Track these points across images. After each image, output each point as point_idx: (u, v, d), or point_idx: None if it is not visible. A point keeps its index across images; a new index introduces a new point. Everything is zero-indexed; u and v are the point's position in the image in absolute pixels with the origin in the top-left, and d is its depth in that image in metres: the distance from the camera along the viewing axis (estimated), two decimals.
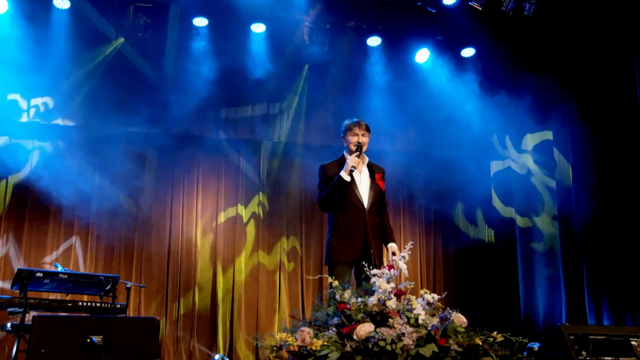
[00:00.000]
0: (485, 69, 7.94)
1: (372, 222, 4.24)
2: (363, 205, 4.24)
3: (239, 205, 8.09)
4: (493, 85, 7.89)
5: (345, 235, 4.21)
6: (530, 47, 7.65)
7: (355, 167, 4.16)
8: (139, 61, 7.35)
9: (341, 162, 4.32)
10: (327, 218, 4.41)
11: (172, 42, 7.20)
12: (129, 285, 5.77)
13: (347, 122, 4.41)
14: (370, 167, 4.40)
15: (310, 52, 7.68)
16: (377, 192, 4.33)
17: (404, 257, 3.53)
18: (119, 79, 7.29)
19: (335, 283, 3.42)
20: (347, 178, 4.15)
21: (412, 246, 3.48)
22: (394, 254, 4.20)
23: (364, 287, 3.44)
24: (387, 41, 7.82)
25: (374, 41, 7.82)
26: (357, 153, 4.22)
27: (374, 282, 3.32)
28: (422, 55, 8.00)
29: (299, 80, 8.04)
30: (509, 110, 7.85)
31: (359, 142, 4.28)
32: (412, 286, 3.36)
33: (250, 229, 8.08)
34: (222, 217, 8.01)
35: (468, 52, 7.96)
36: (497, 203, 8.39)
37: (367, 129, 4.35)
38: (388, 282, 3.29)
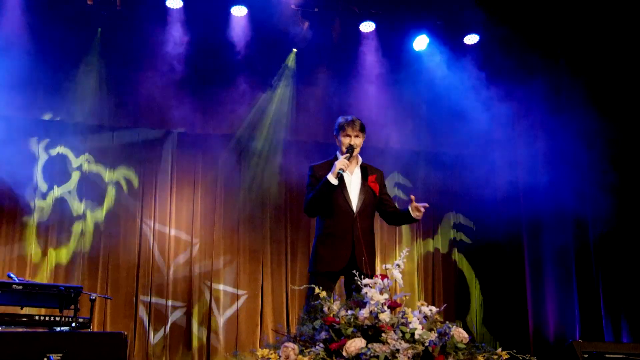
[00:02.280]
0: (490, 57, 7.94)
1: (361, 227, 4.24)
2: (352, 210, 4.24)
3: (217, 207, 8.06)
4: (499, 75, 7.89)
5: (332, 242, 4.22)
6: (540, 33, 7.68)
7: (343, 170, 4.16)
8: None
9: (333, 163, 4.30)
10: (315, 222, 4.41)
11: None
12: (93, 297, 5.63)
13: (340, 120, 4.39)
14: (364, 168, 4.40)
15: (297, 39, 7.68)
16: (368, 196, 4.32)
17: (399, 265, 3.49)
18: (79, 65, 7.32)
19: (323, 294, 3.37)
20: (334, 181, 4.15)
21: (408, 253, 3.44)
22: (411, 201, 4.20)
23: (355, 298, 3.40)
24: (381, 27, 7.83)
25: (367, 27, 7.82)
26: (347, 155, 4.22)
27: (366, 292, 3.27)
28: (421, 42, 8.00)
29: (285, 72, 8.02)
30: (517, 102, 7.86)
31: (350, 145, 4.28)
32: (407, 298, 3.32)
33: (230, 234, 8.06)
34: (198, 221, 7.98)
35: (471, 38, 7.98)
36: (502, 205, 8.40)
37: (362, 129, 4.34)
38: (381, 292, 3.25)
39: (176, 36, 7.33)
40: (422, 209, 4.19)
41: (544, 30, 7.66)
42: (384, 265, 3.42)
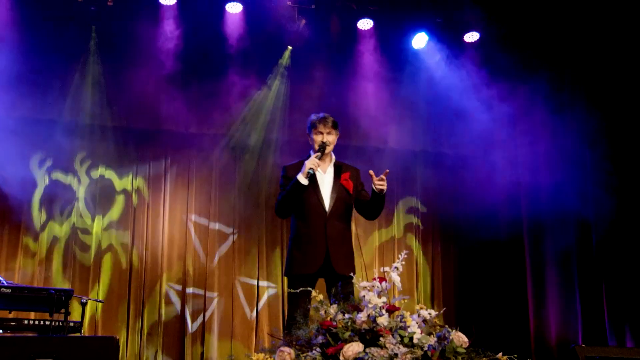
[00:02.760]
0: (490, 56, 7.92)
1: (335, 227, 4.22)
2: (324, 210, 4.22)
3: (212, 208, 8.05)
4: (500, 74, 7.87)
5: (306, 244, 4.21)
6: (542, 31, 7.68)
7: (313, 170, 4.15)
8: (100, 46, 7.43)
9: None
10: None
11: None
12: (84, 300, 5.66)
13: (312, 117, 4.39)
14: (337, 167, 4.38)
15: (293, 37, 7.67)
16: (342, 195, 4.30)
17: (397, 268, 3.48)
18: (74, 65, 7.31)
19: (320, 297, 3.37)
20: (304, 181, 4.14)
21: (406, 255, 3.43)
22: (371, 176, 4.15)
23: (352, 301, 3.38)
24: (379, 24, 7.81)
25: (365, 24, 7.81)
26: (318, 154, 4.21)
27: (364, 296, 3.26)
28: (420, 40, 7.99)
29: (280, 70, 8.00)
30: (518, 101, 7.84)
31: (323, 142, 4.27)
32: (406, 301, 3.32)
33: (225, 236, 8.04)
34: (192, 222, 7.97)
35: (471, 36, 7.96)
36: (504, 206, 8.39)
37: (334, 126, 4.34)
38: (379, 296, 3.24)
39: (170, 34, 7.33)
40: (382, 178, 4.11)
41: (546, 27, 7.66)
42: (382, 268, 3.41)
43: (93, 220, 7.62)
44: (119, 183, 7.80)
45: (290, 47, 7.91)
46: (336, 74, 7.96)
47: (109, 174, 7.79)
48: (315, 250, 4.17)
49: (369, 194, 4.37)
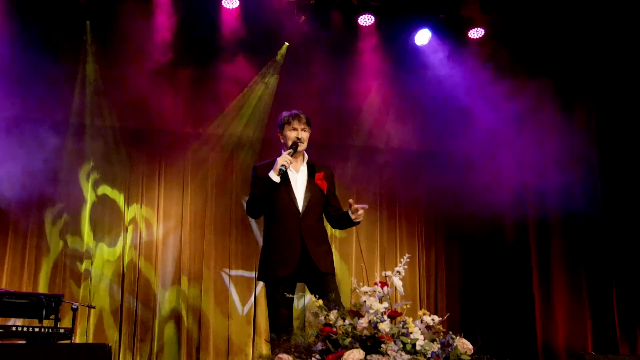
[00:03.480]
0: (496, 53, 7.91)
1: (309, 228, 4.16)
2: (297, 210, 4.16)
3: (207, 211, 8.05)
4: (506, 71, 7.88)
5: (280, 246, 4.14)
6: (550, 26, 7.67)
7: (285, 166, 4.08)
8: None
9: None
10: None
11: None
12: (75, 306, 5.66)
13: (284, 114, 4.35)
14: (310, 166, 4.34)
15: (292, 33, 7.66)
16: (315, 194, 4.24)
17: (399, 272, 3.47)
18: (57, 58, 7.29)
19: (319, 302, 3.32)
20: (276, 179, 4.08)
21: (409, 259, 3.41)
22: (350, 205, 4.12)
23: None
24: (381, 20, 7.81)
25: (366, 20, 7.80)
26: (290, 151, 4.16)
27: (364, 301, 3.24)
28: (422, 36, 7.99)
29: (278, 67, 8.01)
30: (525, 99, 7.83)
31: (297, 138, 4.22)
32: (408, 306, 3.28)
33: (221, 239, 8.05)
34: (187, 225, 7.96)
35: (476, 32, 7.96)
36: (510, 207, 8.36)
37: (308, 123, 4.31)
38: (380, 301, 3.21)
39: (164, 32, 7.36)
40: (361, 211, 4.09)
41: (553, 23, 7.66)
42: (383, 272, 3.40)
43: (84, 224, 7.62)
44: (110, 188, 7.81)
45: (287, 44, 7.90)
46: (336, 72, 7.95)
47: (103, 174, 7.79)
48: (290, 251, 4.09)
49: (339, 202, 4.39)
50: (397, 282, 3.35)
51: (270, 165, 4.18)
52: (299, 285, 4.23)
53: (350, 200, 4.15)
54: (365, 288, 3.28)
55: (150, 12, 7.31)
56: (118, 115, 7.66)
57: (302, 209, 4.16)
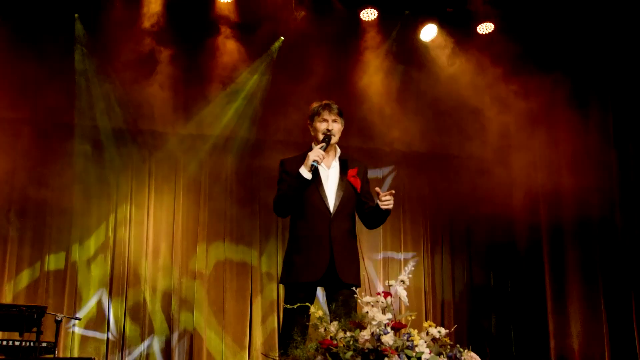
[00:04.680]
0: (506, 49, 7.84)
1: (340, 229, 4.08)
2: (328, 209, 4.06)
3: (200, 215, 8.04)
4: (517, 68, 7.87)
5: (307, 248, 4.05)
6: (563, 21, 7.67)
7: (317, 161, 3.98)
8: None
9: (307, 155, 4.13)
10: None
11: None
12: (59, 318, 5.62)
13: (314, 105, 4.23)
14: (343, 161, 4.24)
15: (289, 27, 7.66)
16: (348, 193, 4.15)
17: (403, 281, 3.45)
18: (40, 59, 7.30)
19: (319, 313, 3.29)
20: (308, 175, 3.99)
21: (414, 268, 3.39)
22: (378, 193, 4.05)
23: (354, 318, 3.32)
24: (384, 15, 7.81)
25: (368, 14, 7.81)
26: (323, 145, 4.07)
27: (367, 312, 3.21)
28: (428, 31, 7.99)
29: (274, 64, 8.02)
30: (537, 98, 7.83)
31: (328, 130, 4.12)
32: (413, 317, 3.28)
33: (215, 246, 8.04)
34: (179, 231, 7.95)
35: (485, 27, 7.96)
36: (521, 212, 8.34)
37: (339, 114, 4.19)
38: (384, 312, 3.20)
39: (157, 30, 7.38)
40: (389, 197, 4.01)
41: (567, 17, 7.65)
42: (386, 282, 3.38)
43: (69, 230, 7.59)
44: (99, 191, 7.80)
45: (282, 38, 7.90)
46: (337, 69, 7.95)
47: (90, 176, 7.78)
48: (318, 255, 3.99)
49: (373, 198, 4.28)
50: (402, 291, 3.34)
51: (300, 159, 4.08)
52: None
53: (377, 189, 4.08)
54: (367, 298, 3.27)
55: (139, 7, 7.34)
56: (107, 114, 7.65)
57: (334, 209, 4.07)
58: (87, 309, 7.48)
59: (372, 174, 8.36)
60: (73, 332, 7.32)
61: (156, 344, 7.62)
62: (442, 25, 7.96)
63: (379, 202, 4.03)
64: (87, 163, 7.72)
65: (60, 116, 7.47)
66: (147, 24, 7.30)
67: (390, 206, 4.04)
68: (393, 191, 4.04)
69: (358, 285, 3.95)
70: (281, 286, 8.06)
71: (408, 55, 8.13)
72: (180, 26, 7.49)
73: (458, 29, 7.97)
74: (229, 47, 7.58)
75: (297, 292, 3.98)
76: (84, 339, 7.38)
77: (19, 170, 7.36)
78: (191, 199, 8.10)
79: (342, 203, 4.10)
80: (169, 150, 7.97)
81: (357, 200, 4.22)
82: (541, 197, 8.21)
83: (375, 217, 4.19)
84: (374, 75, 8.00)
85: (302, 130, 7.90)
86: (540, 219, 8.27)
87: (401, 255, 8.56)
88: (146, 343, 7.55)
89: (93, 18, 7.35)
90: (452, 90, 8.00)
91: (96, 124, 7.64)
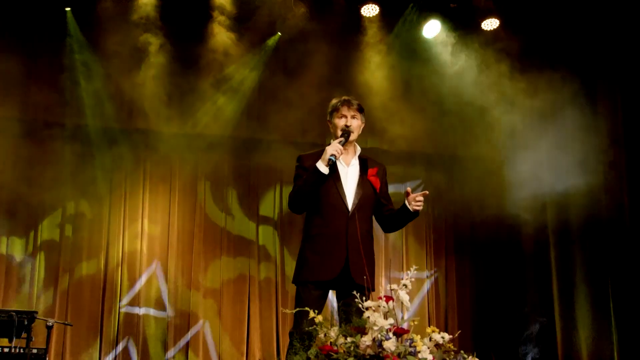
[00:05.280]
0: (512, 46, 7.88)
1: (357, 229, 4.02)
2: (346, 207, 4.05)
3: (196, 218, 8.04)
4: (523, 66, 7.86)
5: (322, 245, 4.03)
6: (571, 16, 7.67)
7: (335, 156, 3.98)
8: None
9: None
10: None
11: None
12: (50, 324, 5.60)
13: (333, 101, 4.25)
14: (363, 161, 4.25)
15: (289, 24, 7.65)
16: (368, 192, 4.14)
17: (406, 285, 3.43)
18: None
19: (319, 318, 3.25)
20: (325, 169, 3.98)
21: (416, 271, 3.36)
22: (408, 193, 4.04)
23: (356, 323, 3.28)
24: (386, 10, 7.82)
25: (369, 10, 7.82)
26: (341, 139, 4.06)
27: (368, 316, 3.17)
28: (432, 28, 7.99)
29: (272, 62, 8.02)
30: (544, 97, 7.79)
31: (346, 126, 4.12)
32: (416, 322, 3.24)
33: (212, 249, 8.04)
34: (174, 234, 7.96)
35: (490, 23, 7.94)
36: (526, 214, 8.30)
37: (359, 110, 4.19)
38: (385, 317, 3.17)
39: (147, 24, 7.39)
40: (421, 198, 4.00)
41: (574, 13, 7.65)
42: (388, 285, 3.36)
43: (61, 232, 7.58)
44: (91, 195, 7.79)
45: (279, 34, 7.90)
46: (337, 66, 7.93)
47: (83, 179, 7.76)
48: (334, 254, 3.98)
49: (391, 200, 4.29)
50: (404, 296, 3.30)
51: (318, 155, 4.07)
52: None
53: (408, 189, 4.07)
54: (368, 303, 3.24)
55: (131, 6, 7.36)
56: (100, 113, 7.66)
57: (352, 208, 4.06)
58: (79, 313, 7.44)
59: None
60: (65, 339, 7.29)
61: (152, 348, 7.61)
62: (445, 21, 7.93)
63: (409, 203, 4.02)
64: (78, 163, 7.70)
65: (50, 114, 7.44)
66: (136, 16, 7.32)
67: (421, 208, 4.03)
68: (426, 192, 4.04)
69: (372, 289, 3.90)
70: (280, 289, 8.06)
71: (410, 52, 8.10)
72: (176, 21, 7.52)
73: (462, 25, 7.95)
74: (226, 43, 7.57)
75: (311, 291, 3.95)
76: (75, 346, 7.35)
77: (7, 170, 7.35)
78: (187, 200, 8.08)
79: (360, 202, 4.08)
80: (164, 149, 7.93)
81: (376, 201, 4.21)
82: (548, 197, 8.18)
83: (398, 219, 4.21)
84: (374, 73, 7.99)
85: (302, 129, 7.99)
86: (546, 219, 8.25)
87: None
88: (141, 348, 7.53)
89: (85, 12, 7.34)
90: (455, 88, 7.98)
91: (87, 122, 7.62)
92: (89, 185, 7.75)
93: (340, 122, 4.14)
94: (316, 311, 3.31)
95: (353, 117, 4.15)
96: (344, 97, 4.21)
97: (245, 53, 7.82)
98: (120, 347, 7.49)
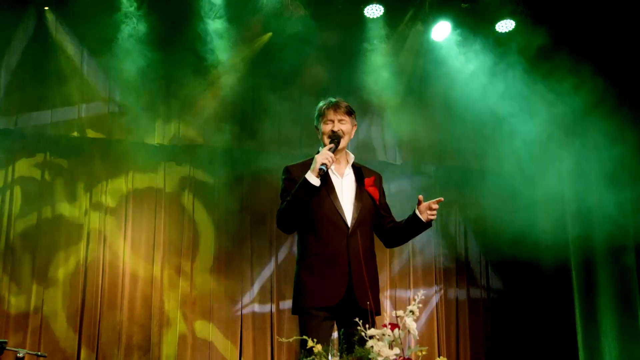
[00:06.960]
0: (528, 49, 7.89)
1: (358, 247, 3.90)
2: (345, 224, 3.94)
3: (185, 233, 8.05)
4: (541, 70, 7.88)
5: (321, 268, 3.90)
6: (592, 18, 7.69)
7: (327, 165, 3.86)
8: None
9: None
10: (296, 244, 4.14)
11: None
12: (21, 354, 5.51)
13: (320, 104, 4.16)
14: (357, 169, 4.16)
15: (285, 26, 7.64)
16: (367, 205, 4.05)
17: (412, 311, 3.36)
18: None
19: (318, 348, 3.17)
20: (315, 181, 3.86)
21: (424, 297, 3.26)
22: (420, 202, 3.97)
23: (358, 352, 3.19)
24: (391, 11, 7.86)
25: (373, 11, 7.84)
26: (331, 146, 3.95)
27: (371, 346, 3.13)
28: (441, 30, 8.01)
29: (266, 65, 7.94)
30: (565, 103, 7.79)
31: (333, 132, 4.02)
32: (424, 353, 3.19)
33: (201, 267, 8.05)
34: (159, 252, 7.95)
35: (505, 25, 7.97)
36: (546, 231, 8.37)
37: (348, 112, 4.09)
38: (391, 346, 3.12)
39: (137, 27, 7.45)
40: (436, 206, 3.92)
41: (596, 14, 7.67)
42: (394, 312, 3.30)
43: (33, 252, 7.54)
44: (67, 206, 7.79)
45: (270, 33, 7.90)
46: (337, 72, 7.96)
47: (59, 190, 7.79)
48: (334, 277, 3.87)
49: (391, 211, 4.20)
50: (411, 323, 3.23)
51: (307, 165, 3.96)
52: None
53: (420, 197, 3.97)
54: (372, 331, 3.17)
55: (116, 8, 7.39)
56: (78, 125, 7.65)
57: (352, 223, 3.95)
58: (54, 343, 7.40)
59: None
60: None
61: None
62: (456, 22, 7.96)
63: (422, 212, 3.93)
64: (54, 174, 7.73)
65: (25, 120, 7.43)
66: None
67: (434, 217, 3.95)
68: (441, 198, 3.95)
69: (377, 313, 3.78)
70: (275, 315, 8.01)
71: (417, 56, 8.14)
72: (159, 25, 7.53)
73: (474, 27, 7.97)
74: (218, 45, 7.60)
75: (316, 319, 3.84)
76: None
77: None
78: (173, 216, 8.10)
79: (360, 216, 3.99)
80: (148, 158, 7.96)
81: (376, 214, 4.10)
82: (568, 211, 8.27)
83: (405, 232, 4.12)
84: (379, 78, 7.98)
85: (298, 136, 7.94)
86: (567, 237, 8.29)
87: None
88: None
89: (62, 8, 7.37)
90: (466, 94, 7.98)
91: (65, 129, 7.61)
92: (64, 200, 7.75)
93: (327, 128, 4.04)
94: (315, 340, 3.20)
95: (340, 121, 4.06)
96: (329, 100, 4.11)
97: (239, 54, 7.85)
98: None
